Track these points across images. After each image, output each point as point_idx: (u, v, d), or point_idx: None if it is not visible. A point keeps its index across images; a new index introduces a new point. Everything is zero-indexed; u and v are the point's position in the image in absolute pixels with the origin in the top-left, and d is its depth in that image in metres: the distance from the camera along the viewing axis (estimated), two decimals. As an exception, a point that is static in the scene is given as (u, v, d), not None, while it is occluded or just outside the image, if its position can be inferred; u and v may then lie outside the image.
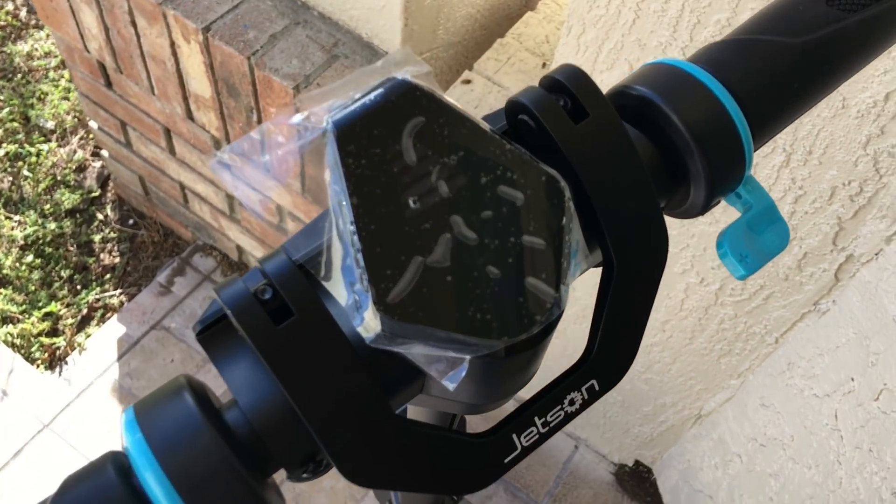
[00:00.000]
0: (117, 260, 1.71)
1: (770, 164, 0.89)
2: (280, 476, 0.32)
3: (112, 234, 1.74)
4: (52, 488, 0.27)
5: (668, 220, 1.00)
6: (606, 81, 0.94)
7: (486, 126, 0.28)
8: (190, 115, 1.33)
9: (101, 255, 1.72)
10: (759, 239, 0.33)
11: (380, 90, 0.27)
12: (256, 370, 0.28)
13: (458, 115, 0.27)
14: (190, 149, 1.43)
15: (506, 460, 0.29)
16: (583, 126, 0.29)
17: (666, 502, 1.49)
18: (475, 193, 0.27)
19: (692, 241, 1.04)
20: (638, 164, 0.30)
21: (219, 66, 1.13)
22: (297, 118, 0.27)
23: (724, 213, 0.98)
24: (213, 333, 0.28)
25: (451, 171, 0.27)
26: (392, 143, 0.26)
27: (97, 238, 1.73)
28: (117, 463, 0.26)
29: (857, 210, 0.86)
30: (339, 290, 0.27)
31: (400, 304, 0.25)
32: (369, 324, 0.26)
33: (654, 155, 0.33)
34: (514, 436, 0.29)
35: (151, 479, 0.25)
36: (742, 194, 0.33)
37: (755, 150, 0.34)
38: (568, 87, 0.30)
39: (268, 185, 0.28)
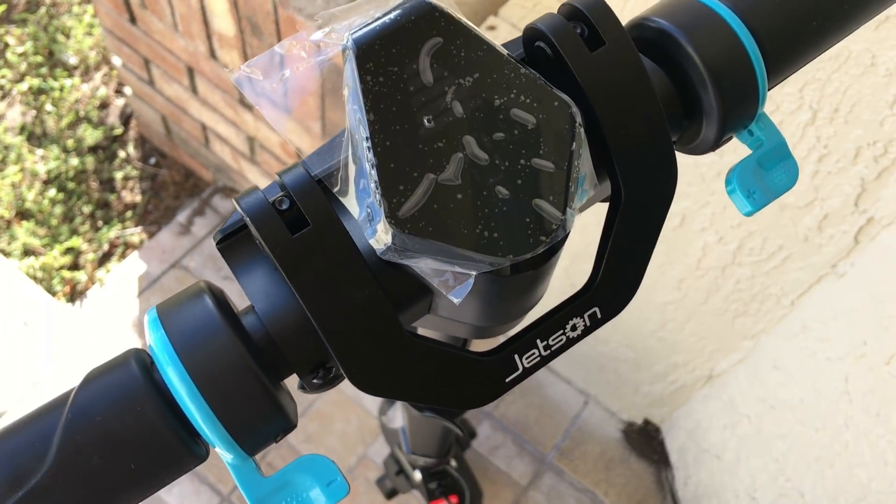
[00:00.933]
0: (138, 198, 1.72)
1: (796, 122, 0.88)
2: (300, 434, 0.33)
3: (133, 172, 1.75)
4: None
5: (691, 177, 0.99)
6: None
7: (502, 50, 0.28)
8: (213, 54, 1.32)
9: (123, 193, 1.73)
10: (768, 176, 0.33)
11: (399, 10, 0.27)
12: (273, 278, 0.28)
13: (476, 37, 0.27)
14: (212, 88, 1.42)
15: (507, 379, 0.30)
16: (598, 54, 0.29)
17: (673, 461, 1.51)
18: (488, 115, 0.27)
19: (713, 198, 1.03)
20: (652, 96, 0.29)
21: (243, 5, 1.12)
22: (318, 35, 0.27)
23: (733, 158, 0.97)
24: (232, 243, 0.29)
25: (466, 92, 0.27)
26: (410, 62, 0.26)
27: (119, 175, 1.74)
28: (139, 358, 0.27)
29: (881, 172, 0.85)
30: (354, 204, 0.27)
31: (410, 219, 0.26)
32: (381, 236, 0.26)
33: (670, 88, 0.33)
34: (517, 356, 0.30)
35: (173, 374, 0.26)
36: (754, 131, 0.33)
37: (771, 88, 0.33)
38: (586, 14, 0.29)
39: (287, 127, 0.29)
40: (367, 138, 0.26)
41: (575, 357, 1.52)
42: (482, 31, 0.28)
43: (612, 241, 0.30)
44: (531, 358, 0.31)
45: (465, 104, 0.27)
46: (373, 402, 1.49)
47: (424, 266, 0.27)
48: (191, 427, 0.27)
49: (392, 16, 0.27)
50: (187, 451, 0.27)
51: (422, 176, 0.26)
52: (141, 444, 0.26)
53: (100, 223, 1.69)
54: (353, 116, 0.26)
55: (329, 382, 0.31)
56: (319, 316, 0.27)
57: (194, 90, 1.49)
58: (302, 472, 0.28)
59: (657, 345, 1.34)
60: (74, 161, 1.73)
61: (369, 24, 0.27)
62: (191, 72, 1.45)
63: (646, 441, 1.53)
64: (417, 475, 1.17)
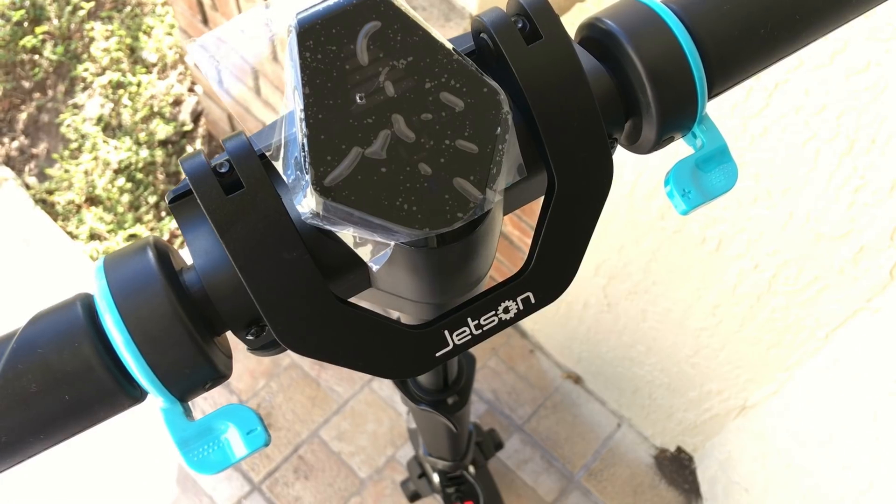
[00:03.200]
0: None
1: (832, 150, 0.87)
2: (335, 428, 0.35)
3: (198, 168, 1.82)
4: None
5: (728, 202, 0.98)
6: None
7: (439, 37, 0.29)
8: (275, 57, 1.37)
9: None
10: (706, 177, 0.33)
11: None
12: (212, 238, 0.31)
13: (413, 24, 0.29)
14: (273, 90, 1.48)
15: (437, 354, 0.31)
16: (534, 47, 0.31)
17: (703, 492, 1.48)
18: (418, 96, 0.28)
19: (749, 224, 1.02)
20: (586, 90, 0.31)
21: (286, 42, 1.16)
22: (270, 12, 0.30)
23: (772, 192, 0.95)
24: (181, 204, 0.31)
25: (399, 74, 0.29)
26: (347, 43, 0.28)
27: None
28: (85, 303, 0.30)
29: (918, 205, 0.83)
30: (287, 167, 0.29)
31: (335, 188, 0.27)
32: (307, 202, 0.28)
33: (612, 87, 0.34)
34: (447, 332, 0.31)
35: (109, 320, 0.29)
36: (697, 134, 0.34)
37: (720, 94, 0.34)
38: (526, 9, 0.31)
39: (237, 100, 0.31)
40: (301, 110, 0.28)
41: (610, 377, 1.51)
42: (423, 20, 0.30)
43: (546, 229, 0.32)
44: (462, 335, 0.32)
45: (397, 85, 0.28)
46: (405, 407, 1.51)
47: (348, 234, 0.29)
48: (126, 371, 0.30)
49: (338, 0, 0.29)
50: (121, 391, 0.30)
51: (349, 149, 0.28)
52: (76, 378, 0.29)
53: (163, 213, 1.77)
54: (290, 89, 0.29)
55: (266, 343, 0.33)
56: (247, 273, 0.29)
57: (258, 91, 1.55)
58: (225, 419, 0.30)
59: (691, 371, 1.32)
60: (145, 153, 1.82)
61: (316, 5, 0.29)
62: (255, 73, 1.51)
63: (677, 469, 1.51)
64: (437, 479, 1.18)
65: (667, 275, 1.20)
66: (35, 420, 0.29)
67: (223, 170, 0.29)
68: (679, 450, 1.51)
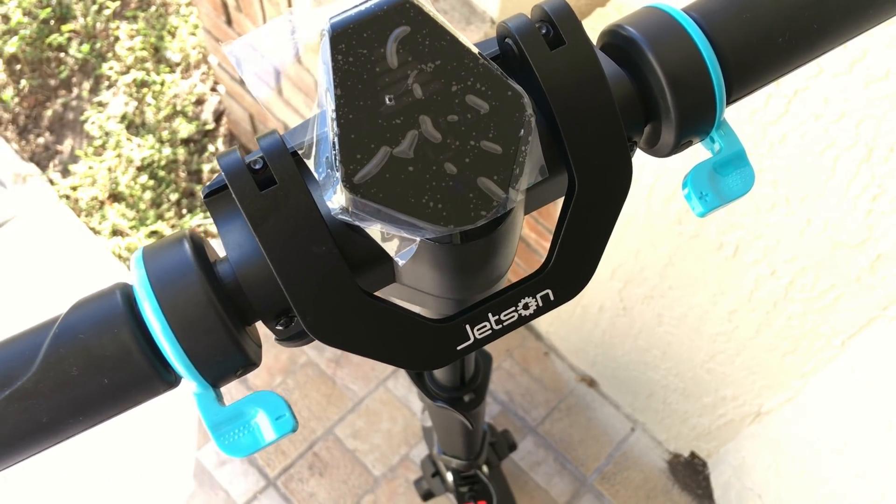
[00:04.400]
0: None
1: (851, 158, 0.87)
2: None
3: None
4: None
5: (746, 208, 0.99)
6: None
7: (466, 42, 0.30)
8: (299, 60, 1.39)
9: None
10: (723, 181, 0.34)
11: (376, 1, 0.30)
12: (245, 232, 0.32)
13: (441, 29, 0.30)
14: (295, 91, 1.50)
15: (458, 347, 0.33)
16: (557, 52, 0.32)
17: (716, 497, 1.48)
18: (445, 98, 0.30)
19: (767, 230, 1.02)
20: (607, 94, 0.32)
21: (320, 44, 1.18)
22: (304, 17, 0.31)
23: (790, 199, 0.96)
24: (216, 199, 0.33)
25: (427, 77, 0.30)
26: (378, 47, 0.30)
27: (206, 168, 1.84)
28: (124, 291, 0.31)
29: (936, 214, 0.83)
30: (318, 165, 0.30)
31: (364, 185, 0.29)
32: (337, 199, 0.29)
33: (632, 92, 0.35)
34: (468, 326, 0.32)
35: (147, 308, 0.30)
36: (715, 138, 0.35)
37: (738, 100, 0.35)
38: (550, 16, 0.32)
39: (271, 101, 0.32)
40: (333, 110, 0.29)
41: (625, 381, 1.51)
42: (452, 26, 0.31)
43: (566, 229, 0.33)
44: (482, 330, 0.33)
45: (425, 87, 0.30)
46: (420, 405, 1.52)
47: (376, 230, 0.30)
48: (162, 356, 0.31)
49: (369, 5, 0.30)
50: (157, 376, 0.31)
51: (378, 148, 0.29)
52: (115, 363, 0.30)
53: (184, 211, 1.79)
54: (322, 90, 0.30)
55: (295, 334, 0.34)
56: (278, 265, 0.30)
57: (279, 91, 1.57)
58: (255, 405, 0.31)
59: (706, 376, 1.32)
60: (167, 151, 1.84)
61: (348, 10, 0.30)
62: (277, 74, 1.53)
63: (691, 475, 1.51)
64: (450, 478, 1.19)
65: (683, 279, 1.21)
66: (75, 402, 0.30)
67: (257, 166, 0.31)
68: (693, 455, 1.51)
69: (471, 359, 0.66)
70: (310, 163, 0.31)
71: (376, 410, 1.54)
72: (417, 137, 0.29)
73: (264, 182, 0.30)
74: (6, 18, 2.03)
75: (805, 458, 1.15)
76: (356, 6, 0.30)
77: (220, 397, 0.32)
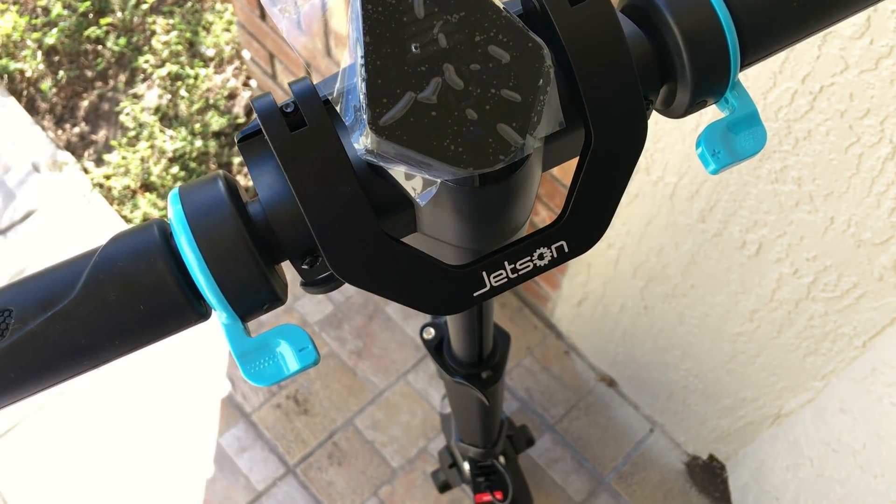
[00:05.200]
0: (251, 184, 1.85)
1: (875, 155, 0.87)
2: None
3: (249, 159, 1.88)
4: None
5: (770, 205, 0.99)
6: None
7: None
8: (328, 52, 1.42)
9: (238, 177, 1.86)
10: (736, 139, 0.35)
11: None
12: (276, 174, 0.34)
13: None
14: (318, 39, 1.52)
15: (475, 294, 0.34)
16: (577, 8, 0.33)
17: (734, 500, 1.47)
18: (468, 48, 0.31)
19: (790, 228, 1.02)
20: (624, 50, 0.33)
21: None
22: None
23: (814, 197, 0.96)
24: (249, 143, 0.35)
25: (452, 27, 0.31)
26: None
27: (236, 161, 1.87)
28: (160, 226, 0.33)
29: (960, 211, 0.83)
30: (346, 112, 0.32)
31: (389, 128, 0.30)
32: (363, 140, 0.31)
33: (650, 51, 0.36)
34: (485, 273, 0.34)
35: (183, 241, 0.32)
36: (729, 99, 0.36)
37: (753, 63, 0.36)
38: None
39: (303, 45, 0.34)
40: (361, 56, 0.31)
41: (644, 382, 1.51)
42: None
43: (581, 181, 0.34)
44: (499, 278, 0.34)
45: (450, 37, 0.31)
46: (439, 399, 1.54)
47: (399, 171, 0.32)
48: (195, 288, 0.33)
49: None
50: (189, 307, 0.33)
51: (403, 93, 0.31)
52: (151, 291, 0.32)
53: (213, 202, 1.82)
54: (353, 38, 0.31)
55: (320, 279, 0.35)
56: (306, 203, 0.32)
57: (295, 37, 1.59)
58: (280, 337, 0.33)
59: (727, 377, 1.32)
60: (199, 143, 1.88)
61: None
62: (308, 68, 1.55)
63: (709, 477, 1.50)
64: (467, 467, 1.20)
65: (705, 279, 1.21)
66: (112, 326, 0.32)
67: (289, 109, 0.32)
68: (711, 458, 1.51)
69: (489, 335, 0.67)
70: (339, 109, 0.32)
71: (396, 403, 1.55)
72: (441, 84, 0.31)
73: (295, 124, 0.32)
74: (47, 11, 2.08)
75: (823, 460, 1.14)
76: None
77: (247, 330, 0.34)
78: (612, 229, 1.32)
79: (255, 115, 0.33)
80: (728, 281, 1.17)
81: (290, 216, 0.33)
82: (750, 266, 1.12)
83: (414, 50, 0.31)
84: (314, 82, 0.34)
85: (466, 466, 1.19)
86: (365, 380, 1.58)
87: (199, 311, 0.33)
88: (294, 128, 0.32)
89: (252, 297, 0.33)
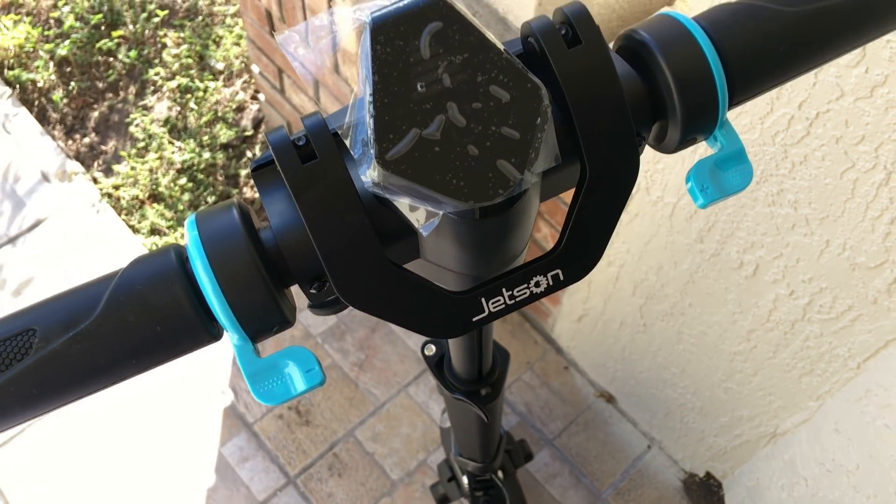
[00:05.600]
0: (256, 195, 1.87)
1: (870, 181, 0.89)
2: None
3: (256, 172, 1.90)
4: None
5: (767, 227, 1.01)
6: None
7: (492, 38, 0.34)
8: (336, 69, 1.44)
9: (244, 189, 1.88)
10: (724, 175, 0.37)
11: None
12: (287, 202, 0.36)
13: (470, 26, 0.34)
14: (333, 100, 1.55)
15: (474, 319, 0.36)
16: (574, 51, 0.35)
17: (730, 518, 1.48)
18: (471, 88, 0.33)
19: (786, 250, 1.04)
20: (618, 90, 0.35)
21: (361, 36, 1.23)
22: (348, 11, 0.35)
23: (810, 220, 0.98)
24: (262, 173, 0.37)
25: (456, 68, 0.33)
26: (413, 39, 0.33)
27: (243, 173, 1.90)
28: (177, 251, 0.35)
29: (952, 238, 0.84)
30: (355, 145, 0.34)
31: (395, 162, 0.32)
32: (370, 173, 0.33)
33: (642, 91, 0.38)
34: (484, 299, 0.36)
35: (199, 265, 0.34)
36: (717, 137, 0.38)
37: (740, 102, 0.38)
38: (570, 18, 0.35)
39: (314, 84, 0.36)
40: (370, 94, 0.33)
41: (643, 398, 1.53)
42: (480, 24, 0.34)
43: (576, 214, 0.36)
44: (497, 304, 0.36)
45: (453, 77, 0.33)
46: (439, 412, 1.55)
47: (404, 203, 0.33)
48: (209, 310, 0.34)
49: (406, 2, 0.34)
50: (203, 328, 0.34)
51: (409, 129, 0.33)
52: (168, 312, 0.34)
53: (219, 213, 1.84)
54: (362, 75, 0.33)
55: (327, 301, 0.37)
56: (316, 232, 0.33)
57: (317, 100, 1.62)
58: (288, 358, 0.35)
59: (723, 395, 1.34)
60: (207, 155, 1.90)
61: (387, 6, 0.34)
62: (316, 83, 1.58)
63: (705, 495, 1.51)
64: (466, 481, 1.21)
65: (703, 298, 1.23)
66: (130, 346, 0.34)
67: (301, 142, 0.34)
68: (708, 475, 1.52)
69: (488, 353, 0.69)
70: (347, 142, 0.34)
71: (397, 415, 1.57)
72: (444, 121, 0.33)
73: (306, 156, 0.34)
74: (59, 23, 2.11)
75: (818, 479, 1.16)
76: (395, 3, 0.34)
77: (257, 350, 0.36)
78: (612, 247, 1.34)
79: (268, 147, 0.35)
80: (725, 301, 1.19)
81: (299, 243, 0.35)
82: (747, 286, 1.14)
83: (419, 88, 0.33)
84: (322, 113, 0.36)
85: (465, 480, 1.20)
86: (366, 392, 1.59)
87: (212, 333, 0.35)
88: (305, 160, 0.34)
89: (262, 319, 0.35)
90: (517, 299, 0.36)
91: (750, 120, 0.96)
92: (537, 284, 0.36)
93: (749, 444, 1.37)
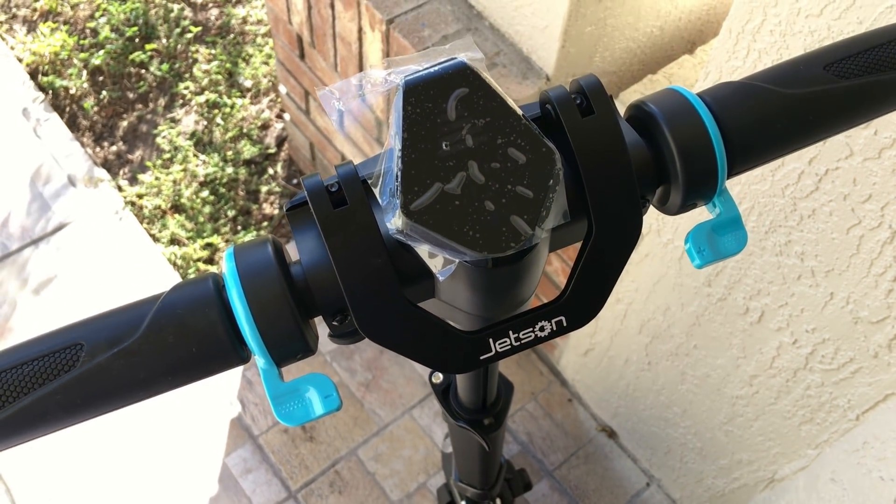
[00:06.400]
0: (276, 212, 1.91)
1: (875, 238, 0.91)
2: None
3: (276, 189, 1.94)
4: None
5: (773, 276, 1.04)
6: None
7: (512, 105, 0.37)
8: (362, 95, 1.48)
9: (264, 205, 1.92)
10: (720, 240, 0.40)
11: (442, 66, 0.37)
12: (317, 241, 0.39)
13: (493, 92, 0.37)
14: (356, 125, 1.59)
15: (482, 357, 0.39)
16: (587, 120, 0.38)
17: (725, 561, 1.49)
18: (491, 149, 0.36)
19: (791, 299, 1.06)
20: (625, 157, 0.38)
21: (393, 55, 1.27)
22: (382, 73, 0.38)
23: (815, 272, 1.00)
24: (296, 213, 0.40)
25: (478, 130, 0.36)
26: (440, 102, 0.36)
27: (264, 189, 1.94)
28: (215, 279, 0.38)
29: (951, 299, 0.87)
30: (383, 194, 0.37)
31: (418, 212, 0.35)
32: (395, 221, 0.36)
33: (648, 158, 0.41)
34: (491, 340, 0.39)
35: (234, 294, 0.37)
36: (716, 203, 0.41)
37: (739, 173, 0.41)
38: (584, 89, 0.39)
39: (351, 138, 0.40)
40: (399, 150, 0.36)
41: (644, 435, 1.54)
42: (501, 90, 0.37)
43: (581, 266, 0.39)
44: (503, 344, 0.39)
45: (475, 138, 0.36)
46: (441, 436, 1.57)
47: (424, 250, 0.37)
48: (240, 335, 0.38)
49: (436, 69, 0.37)
50: (234, 351, 0.38)
51: (433, 183, 0.36)
52: (203, 335, 0.37)
53: (239, 227, 1.88)
54: (393, 132, 0.37)
55: (346, 332, 0.40)
56: (342, 270, 0.37)
57: (341, 124, 1.66)
58: (309, 384, 0.38)
59: (724, 438, 1.35)
60: (230, 170, 1.95)
61: (419, 71, 0.37)
62: (353, 114, 1.62)
63: (701, 535, 1.52)
64: (464, 507, 1.23)
65: (708, 340, 1.25)
66: (168, 364, 0.37)
67: (334, 189, 0.37)
68: (705, 516, 1.53)
69: (493, 385, 0.72)
70: (376, 190, 0.37)
71: (400, 437, 1.59)
72: (465, 178, 0.36)
73: (338, 202, 0.37)
74: (95, 33, 2.17)
75: (813, 528, 1.17)
76: (426, 68, 0.37)
77: (281, 375, 0.39)
78: (621, 284, 1.37)
79: (303, 191, 0.39)
80: (730, 345, 1.21)
81: (326, 279, 0.38)
82: (752, 332, 1.16)
83: (444, 147, 0.36)
84: (355, 164, 0.39)
85: (464, 506, 1.22)
86: (371, 412, 1.62)
87: (241, 356, 0.38)
88: (336, 205, 0.37)
89: (288, 347, 0.38)
90: (523, 341, 0.39)
91: (761, 172, 0.98)
92: (542, 329, 0.39)
93: (747, 487, 1.38)
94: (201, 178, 1.93)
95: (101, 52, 2.11)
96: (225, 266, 0.38)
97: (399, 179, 0.36)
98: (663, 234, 1.19)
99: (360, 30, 1.32)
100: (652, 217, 1.20)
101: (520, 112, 0.37)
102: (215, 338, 0.37)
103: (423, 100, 0.36)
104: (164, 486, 1.53)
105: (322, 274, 0.39)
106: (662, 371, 1.39)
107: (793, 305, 1.07)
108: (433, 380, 0.76)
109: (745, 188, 1.02)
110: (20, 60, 2.10)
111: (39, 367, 0.36)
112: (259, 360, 0.38)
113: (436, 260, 0.37)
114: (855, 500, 1.06)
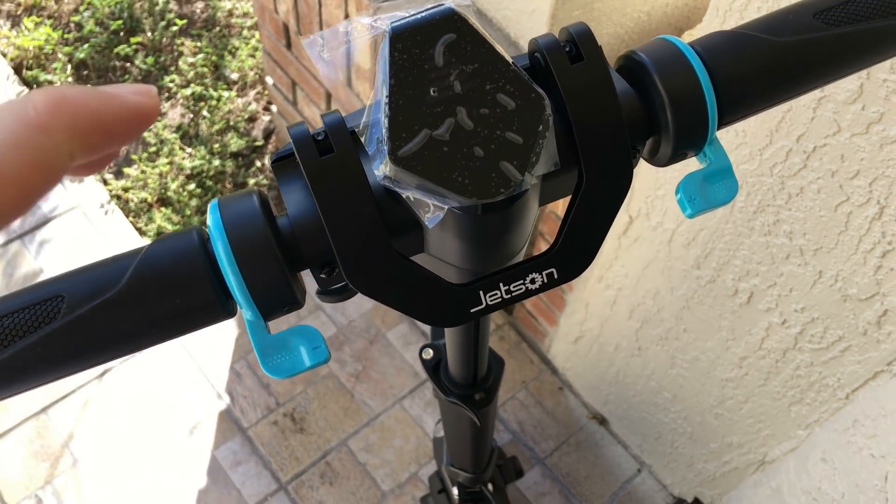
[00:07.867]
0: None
1: (863, 215, 0.92)
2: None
3: (264, 181, 1.93)
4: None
5: (762, 256, 1.04)
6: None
7: (501, 51, 0.37)
8: (349, 83, 1.48)
9: (251, 198, 1.91)
10: (711, 188, 0.40)
11: (429, 11, 0.37)
12: (304, 192, 0.38)
13: (482, 38, 0.36)
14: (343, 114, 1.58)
15: (472, 310, 0.38)
16: (577, 67, 0.38)
17: (717, 546, 1.49)
18: (479, 95, 0.36)
19: (780, 279, 1.07)
20: (615, 104, 0.38)
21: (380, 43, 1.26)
22: (369, 20, 0.38)
23: (804, 250, 1.00)
24: (282, 164, 0.39)
25: (466, 76, 0.36)
26: (428, 48, 0.36)
27: (251, 182, 1.93)
28: (199, 232, 0.38)
29: (939, 273, 0.87)
30: (370, 143, 0.37)
31: (406, 158, 0.35)
32: (382, 168, 0.35)
33: (638, 107, 0.41)
34: (482, 292, 0.38)
35: (219, 246, 0.36)
36: (707, 153, 0.40)
37: (730, 123, 0.41)
38: (574, 37, 0.38)
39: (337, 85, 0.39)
40: (386, 96, 0.35)
41: (635, 422, 1.54)
42: (490, 37, 0.37)
43: (572, 217, 0.38)
44: (494, 297, 0.39)
45: (464, 84, 0.36)
46: (432, 425, 1.57)
47: (412, 196, 0.36)
48: (226, 287, 0.37)
49: (423, 14, 0.36)
50: (219, 304, 0.37)
51: (420, 130, 0.35)
52: (187, 288, 0.36)
53: (226, 220, 1.87)
54: (380, 79, 0.36)
55: (335, 288, 0.40)
56: (329, 220, 0.36)
57: (340, 78, 1.65)
58: (296, 336, 0.37)
59: (714, 421, 1.35)
60: (216, 163, 1.93)
61: (406, 17, 0.37)
62: (328, 97, 1.61)
63: (693, 521, 1.53)
64: (456, 493, 1.23)
65: (698, 324, 1.25)
66: (150, 316, 0.36)
67: (320, 137, 0.37)
68: (696, 501, 1.53)
69: (484, 357, 0.71)
70: (363, 140, 0.37)
71: (390, 427, 1.58)
72: (453, 124, 0.35)
73: (324, 150, 0.37)
74: (79, 27, 2.15)
75: (804, 509, 1.17)
76: (413, 14, 0.37)
77: (268, 328, 0.38)
78: (610, 270, 1.37)
79: (290, 142, 0.38)
80: (719, 327, 1.21)
81: (313, 230, 0.38)
82: (741, 314, 1.16)
83: (432, 93, 0.36)
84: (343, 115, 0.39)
85: (455, 492, 1.22)
86: (361, 402, 1.61)
87: (227, 309, 0.37)
88: (323, 153, 0.36)
89: (275, 298, 0.37)
90: (513, 294, 0.39)
91: (749, 151, 0.98)
92: (532, 281, 0.39)
93: (738, 470, 1.38)
94: (188, 171, 1.92)
95: (86, 45, 2.09)
96: (210, 217, 0.37)
97: (386, 126, 0.35)
98: (652, 217, 1.19)
99: (346, 16, 1.31)
100: (641, 200, 1.19)
101: (509, 58, 0.37)
102: (200, 289, 0.36)
103: (410, 46, 0.36)
104: (154, 480, 1.52)
105: (309, 225, 0.38)
106: (652, 356, 1.39)
107: (781, 285, 1.07)
108: (423, 356, 0.76)
109: (734, 169, 1.02)
110: (4, 55, 2.08)
111: (19, 320, 0.35)
112: (245, 312, 0.38)
113: (424, 207, 0.36)
114: (846, 479, 1.06)
